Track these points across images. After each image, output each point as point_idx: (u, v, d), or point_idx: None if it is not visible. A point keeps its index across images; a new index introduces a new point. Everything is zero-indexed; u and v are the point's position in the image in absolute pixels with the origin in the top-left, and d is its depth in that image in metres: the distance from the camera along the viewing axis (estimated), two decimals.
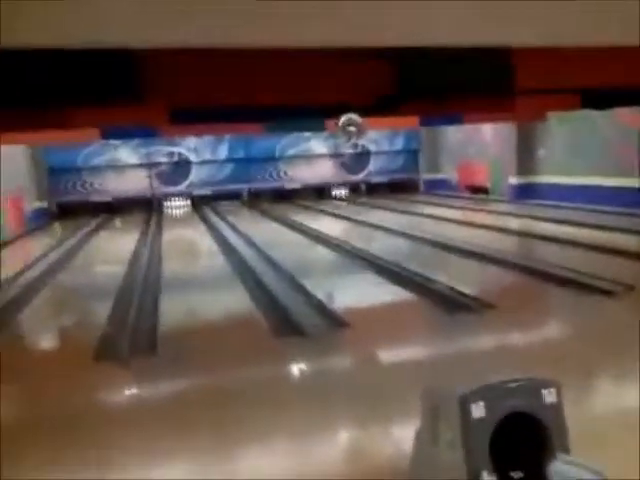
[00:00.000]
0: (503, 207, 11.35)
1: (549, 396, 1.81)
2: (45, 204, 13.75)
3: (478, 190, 13.89)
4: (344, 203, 14.48)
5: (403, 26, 2.23)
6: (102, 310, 5.05)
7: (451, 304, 4.65)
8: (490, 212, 10.74)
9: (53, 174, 13.92)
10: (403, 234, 8.47)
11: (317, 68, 4.11)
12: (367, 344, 4.00)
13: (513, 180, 12.64)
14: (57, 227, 12.75)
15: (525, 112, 9.61)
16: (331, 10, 2.10)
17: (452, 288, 5.04)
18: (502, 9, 2.23)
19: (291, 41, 2.20)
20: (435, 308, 4.65)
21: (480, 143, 13.75)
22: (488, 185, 13.63)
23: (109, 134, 9.47)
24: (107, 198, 14.36)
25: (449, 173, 15.37)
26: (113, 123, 6.95)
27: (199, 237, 10.24)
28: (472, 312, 4.47)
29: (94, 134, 8.74)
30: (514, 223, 9.60)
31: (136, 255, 7.94)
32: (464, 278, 5.74)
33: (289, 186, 15.42)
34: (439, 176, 15.75)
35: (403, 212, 11.51)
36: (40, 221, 12.84)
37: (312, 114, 6.69)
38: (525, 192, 12.24)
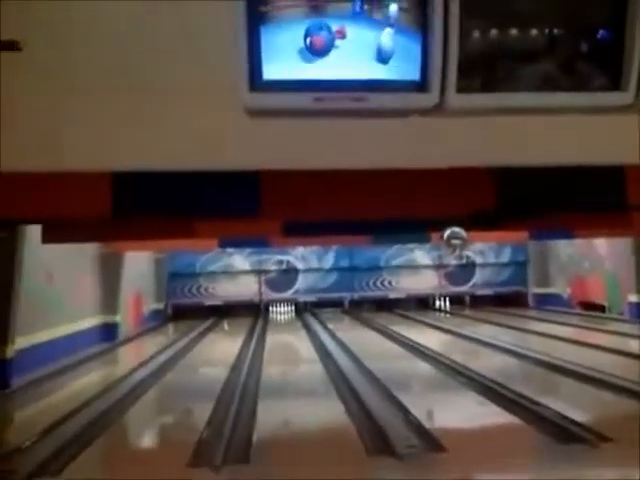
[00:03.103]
0: (622, 327, 10.53)
1: None
2: (161, 306, 14.60)
3: (593, 307, 13.05)
4: (447, 315, 14.11)
5: (508, 146, 2.30)
6: (203, 413, 5.15)
7: (561, 433, 4.28)
8: (608, 332, 10.00)
9: (172, 278, 14.90)
10: (510, 351, 8.05)
11: (421, 184, 4.24)
12: (464, 471, 3.74)
13: (633, 298, 11.79)
14: (170, 328, 13.42)
15: None
16: (437, 132, 2.22)
17: (563, 414, 4.66)
18: (610, 127, 2.24)
19: (398, 163, 2.34)
20: (542, 436, 4.30)
21: (594, 256, 13.10)
22: (605, 302, 12.79)
23: (226, 243, 10.19)
24: (219, 302, 15.01)
25: (560, 287, 14.65)
26: (232, 234, 7.51)
27: (299, 343, 10.33)
28: (585, 443, 4.08)
29: (212, 243, 9.45)
30: (635, 345, 8.84)
31: (240, 358, 8.14)
32: (577, 404, 5.30)
33: (392, 296, 15.36)
34: (550, 290, 15.03)
35: (510, 327, 10.99)
36: (156, 322, 13.60)
37: (417, 227, 6.80)
38: None
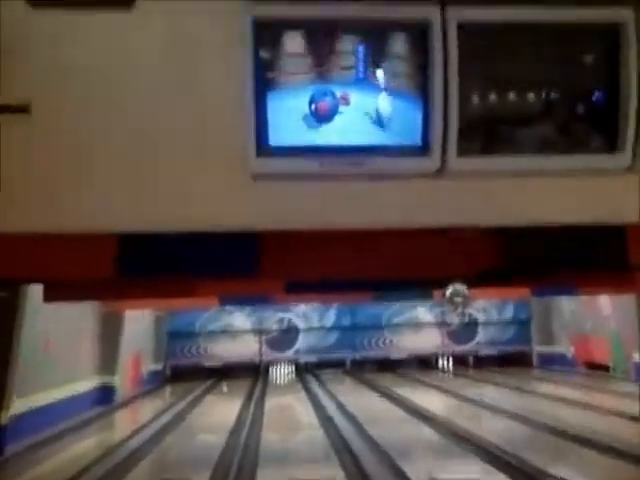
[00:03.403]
0: (628, 388, 10.32)
1: None
2: (160, 366, 14.29)
3: (598, 367, 12.84)
4: (451, 376, 13.85)
5: (509, 207, 2.32)
6: None
7: None
8: (613, 394, 9.80)
9: (172, 337, 14.60)
10: (514, 415, 7.86)
11: (424, 243, 4.24)
12: None
13: (637, 357, 11.61)
14: (168, 390, 13.13)
15: None
16: (439, 193, 2.24)
17: None
18: (610, 187, 2.26)
19: (399, 223, 2.35)
20: None
21: (597, 315, 12.98)
22: (610, 363, 12.58)
23: (226, 301, 10.11)
24: (218, 363, 14.69)
25: (564, 346, 14.44)
26: (233, 293, 7.46)
27: (300, 406, 10.09)
28: None
29: (213, 300, 9.36)
30: None
31: (239, 423, 7.93)
32: (585, 472, 5.13)
33: (394, 356, 15.07)
34: (554, 349, 14.80)
35: (515, 389, 10.78)
36: (153, 383, 13.30)
37: (419, 285, 6.77)
38: None
